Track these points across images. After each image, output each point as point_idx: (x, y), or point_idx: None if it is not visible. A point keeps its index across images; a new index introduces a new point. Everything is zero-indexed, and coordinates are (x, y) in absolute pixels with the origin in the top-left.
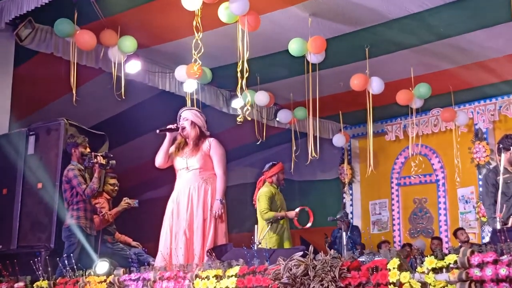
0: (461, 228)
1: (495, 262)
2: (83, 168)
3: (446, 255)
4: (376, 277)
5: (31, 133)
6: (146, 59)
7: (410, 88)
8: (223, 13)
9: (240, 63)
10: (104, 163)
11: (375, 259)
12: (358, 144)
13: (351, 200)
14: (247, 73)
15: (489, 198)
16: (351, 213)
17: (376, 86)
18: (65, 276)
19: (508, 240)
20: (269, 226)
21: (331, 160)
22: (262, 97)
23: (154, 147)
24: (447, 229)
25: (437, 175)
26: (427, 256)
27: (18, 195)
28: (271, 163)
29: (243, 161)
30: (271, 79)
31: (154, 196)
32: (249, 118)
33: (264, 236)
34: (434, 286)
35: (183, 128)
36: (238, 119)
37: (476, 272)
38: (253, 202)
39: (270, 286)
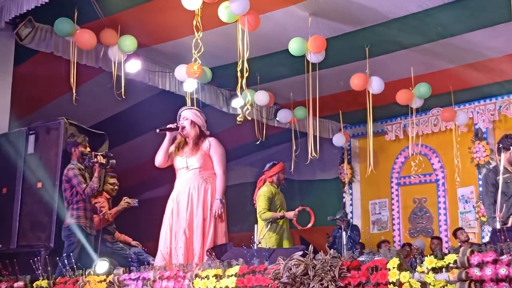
0: (461, 228)
1: (495, 261)
2: (83, 167)
3: (446, 254)
4: (376, 277)
5: (31, 132)
6: (146, 58)
7: (410, 88)
8: (223, 12)
9: (240, 63)
10: (104, 162)
11: (375, 258)
12: (358, 143)
13: (351, 199)
14: (247, 73)
15: (489, 198)
16: (351, 212)
17: (376, 85)
18: (64, 276)
19: (508, 239)
20: (268, 226)
21: (331, 160)
22: (262, 97)
23: (154, 146)
24: (447, 228)
25: (437, 175)
26: (426, 256)
27: (18, 194)
28: (271, 162)
29: (243, 161)
30: (271, 79)
31: (154, 196)
32: (249, 118)
33: (264, 235)
34: (434, 285)
35: (183, 128)
36: (238, 118)
37: (475, 272)
38: (253, 202)
39: (270, 285)
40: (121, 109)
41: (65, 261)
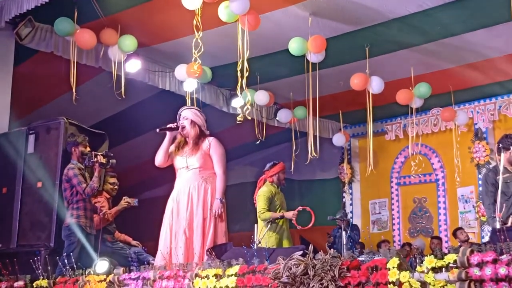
0: (461, 228)
1: (495, 261)
2: (83, 167)
3: (445, 254)
4: (376, 277)
5: (31, 132)
6: (146, 58)
7: (410, 88)
8: (223, 12)
9: (240, 62)
10: (104, 162)
11: (375, 258)
12: (358, 143)
13: (351, 199)
14: (247, 72)
15: (488, 198)
16: (351, 212)
17: (376, 85)
18: (64, 275)
19: (508, 239)
20: (268, 226)
21: (331, 160)
22: (262, 97)
23: (154, 146)
24: (447, 228)
25: (436, 175)
26: (426, 256)
27: (18, 194)
28: (272, 162)
29: (243, 160)
30: (271, 78)
31: (154, 195)
32: (249, 118)
33: (263, 235)
34: (434, 285)
35: (183, 127)
36: (238, 118)
37: (475, 272)
38: (253, 201)
39: (270, 285)
40: (121, 109)
41: (65, 260)
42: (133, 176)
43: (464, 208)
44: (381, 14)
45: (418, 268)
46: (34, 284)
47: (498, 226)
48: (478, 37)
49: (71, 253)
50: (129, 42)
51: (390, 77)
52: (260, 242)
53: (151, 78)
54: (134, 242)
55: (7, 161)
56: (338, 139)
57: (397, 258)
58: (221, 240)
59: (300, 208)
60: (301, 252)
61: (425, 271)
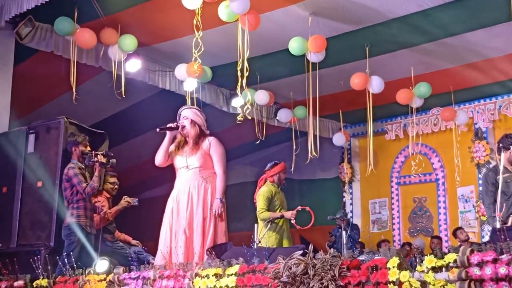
0: (461, 227)
1: (495, 261)
2: (83, 166)
3: (445, 254)
4: (376, 276)
5: (31, 131)
6: (146, 57)
7: (410, 87)
8: (223, 12)
9: (240, 62)
10: (104, 161)
11: (375, 258)
12: (358, 143)
13: (351, 199)
14: (247, 72)
15: (488, 197)
16: (351, 212)
17: (376, 85)
18: (64, 275)
19: (508, 239)
20: (268, 226)
21: (331, 159)
22: (262, 96)
23: (154, 145)
24: (447, 228)
25: (437, 174)
26: (426, 255)
27: (18, 193)
28: (273, 162)
29: (243, 160)
30: (271, 78)
31: (154, 195)
32: (249, 117)
33: (263, 235)
34: (434, 285)
35: (183, 127)
36: (238, 118)
37: (475, 271)
38: (254, 201)
39: (270, 284)
40: (121, 108)
41: (65, 260)
42: (133, 176)
43: (464, 208)
44: (381, 14)
45: (418, 267)
46: (34, 284)
47: (498, 225)
48: (478, 37)
49: (71, 253)
50: (129, 41)
51: (390, 76)
52: (260, 242)
53: (151, 77)
54: (134, 242)
55: (7, 160)
56: (338, 139)
57: (397, 258)
58: (221, 239)
59: (299, 208)
60: (301, 252)
61: (425, 270)
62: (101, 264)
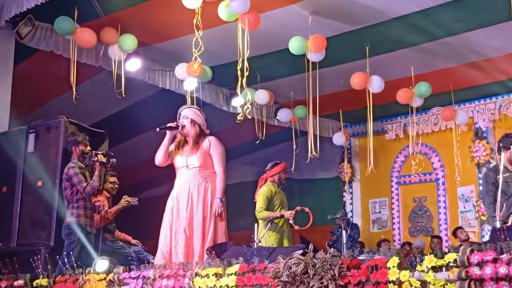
0: (461, 227)
1: (495, 260)
2: (83, 166)
3: (445, 253)
4: (376, 276)
5: (31, 131)
6: (147, 57)
7: (410, 87)
8: (224, 11)
9: (240, 62)
10: (104, 161)
11: (375, 257)
12: (358, 142)
13: (351, 198)
14: (247, 72)
15: (489, 197)
16: (351, 211)
17: (376, 84)
18: (64, 274)
19: (508, 239)
20: (268, 226)
21: (331, 159)
22: (262, 96)
23: (154, 145)
24: (447, 227)
25: (437, 174)
26: (426, 255)
27: (18, 193)
28: (274, 162)
29: (243, 160)
30: (271, 78)
31: (154, 194)
32: (249, 117)
33: (263, 234)
34: (434, 284)
35: (183, 126)
36: (238, 117)
37: (475, 271)
38: (254, 200)
39: (269, 284)
40: (121, 108)
41: (65, 259)
42: (133, 175)
43: (464, 208)
44: (381, 13)
45: (418, 267)
46: (34, 283)
47: (498, 225)
48: (478, 37)
49: (71, 252)
50: (129, 41)
51: (390, 76)
52: (260, 241)
53: (151, 77)
54: (134, 241)
55: (7, 160)
56: (338, 138)
57: (397, 257)
58: (221, 239)
59: (298, 208)
60: (301, 251)
61: (425, 270)
62: (101, 264)
